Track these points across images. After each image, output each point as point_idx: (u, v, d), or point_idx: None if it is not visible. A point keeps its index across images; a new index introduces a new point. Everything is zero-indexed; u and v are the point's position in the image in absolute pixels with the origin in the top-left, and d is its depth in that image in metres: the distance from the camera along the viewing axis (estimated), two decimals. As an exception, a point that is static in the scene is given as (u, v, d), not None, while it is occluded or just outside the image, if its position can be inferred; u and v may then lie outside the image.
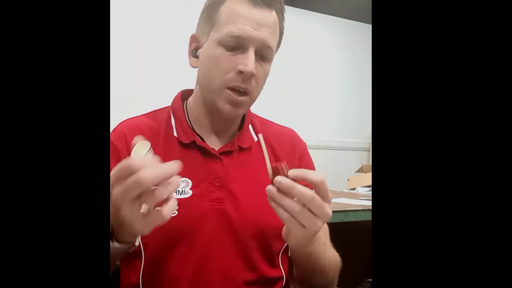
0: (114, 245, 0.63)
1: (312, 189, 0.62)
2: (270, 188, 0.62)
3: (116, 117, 0.89)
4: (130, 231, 0.62)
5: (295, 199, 0.61)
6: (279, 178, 0.60)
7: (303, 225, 0.62)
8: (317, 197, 0.61)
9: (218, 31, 0.78)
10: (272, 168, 0.62)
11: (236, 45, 0.76)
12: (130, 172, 0.54)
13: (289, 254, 0.86)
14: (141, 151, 0.58)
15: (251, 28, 0.76)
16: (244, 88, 0.77)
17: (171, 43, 2.65)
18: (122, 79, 2.43)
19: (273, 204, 0.62)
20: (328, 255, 0.81)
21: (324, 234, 0.87)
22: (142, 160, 0.55)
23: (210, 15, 0.80)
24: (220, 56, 0.77)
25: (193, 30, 0.87)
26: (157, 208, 0.56)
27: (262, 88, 0.83)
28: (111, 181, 0.55)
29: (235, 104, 0.78)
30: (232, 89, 0.77)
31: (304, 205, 0.61)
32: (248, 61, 0.75)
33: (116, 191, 0.55)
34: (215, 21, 0.79)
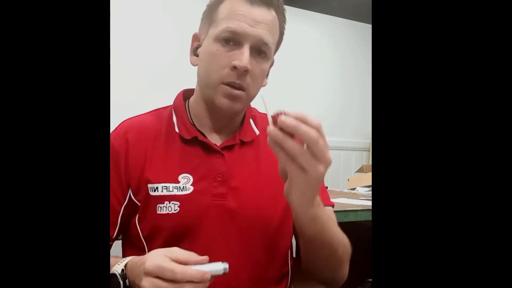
0: None
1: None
2: (271, 128, 0.59)
3: (116, 117, 0.89)
4: None
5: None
6: (283, 117, 0.57)
7: (304, 169, 0.60)
8: (321, 139, 0.59)
9: (215, 28, 0.79)
10: (272, 117, 0.59)
11: (232, 41, 0.77)
12: (172, 278, 0.61)
13: (293, 254, 0.86)
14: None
15: (247, 25, 0.77)
16: (239, 84, 0.78)
17: (174, 42, 2.65)
18: (122, 80, 2.43)
19: (274, 146, 0.60)
20: (336, 229, 0.78)
21: (332, 219, 0.84)
22: (187, 274, 0.62)
23: (210, 13, 0.82)
24: (216, 52, 0.78)
25: (196, 29, 0.87)
26: None
27: (261, 86, 0.83)
28: (146, 268, 0.62)
29: (232, 98, 0.79)
30: (228, 84, 0.78)
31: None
32: (243, 56, 0.76)
33: (149, 284, 0.62)
34: (214, 19, 0.80)
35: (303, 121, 0.58)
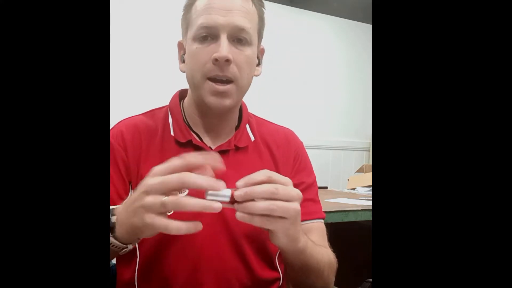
0: (116, 243, 0.66)
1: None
2: (238, 216, 0.59)
3: (116, 117, 0.89)
4: (137, 235, 0.64)
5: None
6: (237, 192, 0.58)
7: (282, 217, 0.60)
8: (277, 185, 0.59)
9: (191, 29, 0.80)
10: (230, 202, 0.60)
11: (208, 36, 0.77)
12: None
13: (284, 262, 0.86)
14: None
15: (218, 16, 0.76)
16: (224, 76, 0.77)
17: (171, 44, 2.65)
18: (122, 80, 2.43)
19: (249, 218, 0.59)
20: (320, 251, 0.80)
21: (321, 234, 0.87)
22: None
23: (185, 17, 0.83)
24: (196, 50, 0.78)
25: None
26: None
27: (251, 75, 0.83)
28: (143, 188, 0.59)
29: (219, 95, 0.78)
30: (213, 80, 0.78)
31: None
32: (221, 47, 0.76)
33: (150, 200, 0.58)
34: (189, 21, 0.81)
35: (252, 182, 0.59)
